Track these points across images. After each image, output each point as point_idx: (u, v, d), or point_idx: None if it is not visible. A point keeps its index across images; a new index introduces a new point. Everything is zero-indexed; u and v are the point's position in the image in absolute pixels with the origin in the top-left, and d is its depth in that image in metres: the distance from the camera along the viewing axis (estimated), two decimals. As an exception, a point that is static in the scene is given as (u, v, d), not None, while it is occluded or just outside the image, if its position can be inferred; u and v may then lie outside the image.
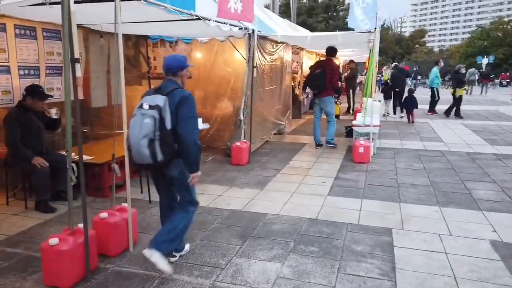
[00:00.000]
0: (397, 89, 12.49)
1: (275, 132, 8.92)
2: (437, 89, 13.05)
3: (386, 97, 13.14)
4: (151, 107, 2.82)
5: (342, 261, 3.22)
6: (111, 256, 3.23)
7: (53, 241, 2.73)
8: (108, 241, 3.20)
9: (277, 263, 3.18)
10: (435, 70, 13.08)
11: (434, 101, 13.36)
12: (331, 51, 7.75)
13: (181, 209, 3.07)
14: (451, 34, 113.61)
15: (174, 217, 3.03)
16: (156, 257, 2.80)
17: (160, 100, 2.83)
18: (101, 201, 4.62)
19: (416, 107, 11.69)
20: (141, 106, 2.87)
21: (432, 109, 13.51)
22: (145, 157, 2.76)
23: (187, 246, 3.36)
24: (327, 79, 7.32)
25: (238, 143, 6.42)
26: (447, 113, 12.90)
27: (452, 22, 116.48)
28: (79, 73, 2.71)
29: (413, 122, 11.57)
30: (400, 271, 3.07)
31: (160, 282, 2.88)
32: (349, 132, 8.57)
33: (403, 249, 3.44)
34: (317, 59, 13.61)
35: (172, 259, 3.16)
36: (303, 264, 3.16)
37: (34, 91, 4.31)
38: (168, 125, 2.80)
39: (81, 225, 2.87)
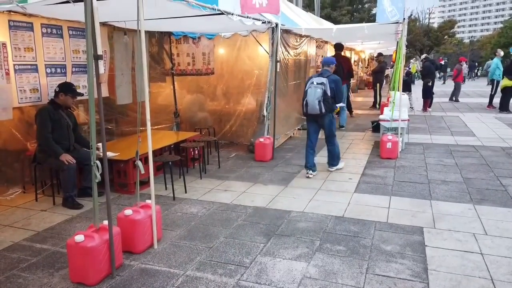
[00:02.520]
0: (429, 83, 12.08)
1: (299, 127, 8.79)
2: (497, 82, 12.14)
3: (405, 90, 12.73)
4: (318, 84, 5.11)
5: (371, 261, 3.10)
6: (136, 253, 3.23)
7: (79, 237, 2.75)
8: (132, 238, 3.20)
9: (302, 262, 3.10)
10: (496, 61, 12.38)
11: (493, 94, 12.49)
12: (341, 47, 9.02)
13: (330, 144, 5.58)
14: (482, 24, 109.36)
15: (331, 150, 5.63)
16: (333, 168, 5.67)
17: (323, 80, 5.12)
18: (127, 197, 4.65)
19: (431, 96, 12.22)
20: (312, 83, 5.18)
21: (491, 103, 12.57)
22: (315, 110, 5.13)
23: (341, 164, 5.79)
24: (344, 72, 8.56)
25: (261, 139, 6.34)
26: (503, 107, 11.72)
27: (483, 12, 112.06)
28: (102, 69, 2.70)
29: (425, 111, 12.04)
30: (433, 272, 2.92)
31: (184, 280, 2.85)
32: (375, 127, 8.35)
33: (436, 249, 3.28)
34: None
35: (332, 168, 5.67)
36: (329, 264, 3.06)
37: (67, 88, 4.46)
38: (328, 93, 5.08)
39: (106, 222, 2.87)
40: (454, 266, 3.00)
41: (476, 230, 3.64)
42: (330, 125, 5.37)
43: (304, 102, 5.21)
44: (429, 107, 12.43)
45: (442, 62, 27.91)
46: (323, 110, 5.08)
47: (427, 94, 12.17)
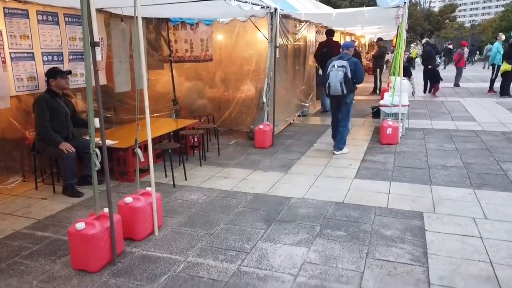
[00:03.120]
0: (429, 66, 11.98)
1: (298, 114, 8.76)
2: (498, 66, 11.99)
3: (405, 75, 12.65)
4: (339, 66, 5.47)
5: (371, 246, 3.11)
6: (137, 240, 3.24)
7: (80, 225, 2.75)
8: (133, 225, 3.21)
9: (303, 247, 3.11)
10: (497, 45, 12.20)
11: (493, 79, 12.37)
12: (332, 32, 9.05)
13: (342, 126, 5.84)
14: (483, 8, 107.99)
15: (342, 132, 5.86)
16: (339, 152, 5.84)
17: (344, 63, 5.47)
18: (127, 185, 4.66)
19: (439, 80, 12.14)
20: (333, 66, 5.54)
21: (491, 88, 12.45)
22: (338, 91, 5.49)
23: (345, 150, 5.93)
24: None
25: (261, 126, 6.32)
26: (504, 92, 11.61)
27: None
28: (99, 56, 2.67)
29: (434, 94, 12.02)
30: (433, 256, 2.94)
31: (186, 266, 2.87)
32: (376, 113, 8.32)
33: (435, 234, 3.29)
34: (342, 38, 13.27)
35: (337, 152, 5.85)
36: (330, 249, 3.08)
37: (53, 73, 4.39)
38: (349, 75, 5.43)
39: (106, 210, 2.88)
40: (453, 250, 3.02)
41: (476, 215, 3.65)
42: (349, 105, 5.78)
43: (327, 84, 5.61)
44: (430, 92, 12.38)
45: (451, 47, 27.81)
46: (345, 91, 5.48)
47: (436, 79, 12.07)
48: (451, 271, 2.74)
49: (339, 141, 5.90)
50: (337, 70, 5.46)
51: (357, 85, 5.65)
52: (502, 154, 5.63)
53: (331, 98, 5.85)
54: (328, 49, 8.62)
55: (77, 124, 4.65)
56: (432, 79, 12.25)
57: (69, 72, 4.59)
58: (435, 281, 2.62)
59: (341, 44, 6.30)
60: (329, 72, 5.58)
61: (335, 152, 5.87)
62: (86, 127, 4.53)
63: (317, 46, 9.41)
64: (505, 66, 11.32)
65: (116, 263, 2.91)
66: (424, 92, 12.49)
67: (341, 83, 5.42)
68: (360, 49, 13.13)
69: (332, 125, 6.12)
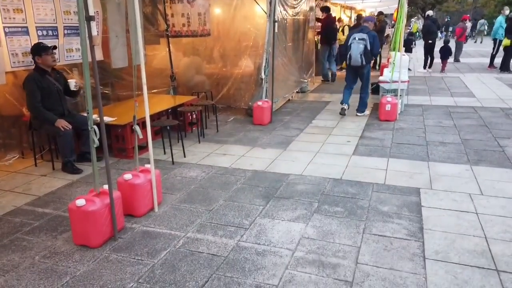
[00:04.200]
0: (429, 41, 11.77)
1: (297, 90, 8.70)
2: (500, 41, 11.70)
3: (406, 50, 12.49)
4: (360, 39, 6.09)
5: (368, 222, 3.16)
6: (137, 216, 3.28)
7: (80, 202, 2.77)
8: (133, 202, 3.24)
9: (301, 223, 3.16)
10: (500, 19, 11.89)
11: (494, 54, 12.17)
12: (328, 8, 10.00)
13: (363, 92, 6.61)
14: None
15: (363, 98, 6.65)
16: (361, 114, 6.64)
17: (364, 36, 6.10)
18: (126, 162, 4.67)
19: (450, 55, 12.01)
20: (354, 38, 6.17)
21: (492, 64, 12.28)
22: (358, 62, 6.16)
23: (367, 112, 6.73)
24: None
25: (259, 103, 6.28)
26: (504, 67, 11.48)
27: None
28: (95, 31, 2.61)
29: (443, 71, 11.86)
30: (428, 231, 2.99)
31: (186, 241, 2.92)
32: (375, 89, 8.26)
33: (432, 209, 3.34)
34: (342, 12, 13.05)
35: (360, 114, 6.65)
36: (327, 225, 3.12)
37: (37, 50, 4.24)
38: (368, 47, 6.07)
39: (106, 187, 2.89)
40: (449, 226, 3.07)
41: (472, 191, 3.69)
42: (368, 74, 6.49)
43: (348, 56, 6.27)
44: (430, 67, 12.27)
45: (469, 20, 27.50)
46: (364, 62, 6.16)
47: (444, 54, 11.85)
48: (446, 246, 2.79)
49: (361, 105, 6.70)
50: (358, 43, 6.09)
51: (375, 57, 6.77)
52: (500, 130, 5.64)
53: (350, 68, 6.49)
54: (331, 25, 9.63)
55: (67, 94, 4.53)
56: (441, 53, 11.95)
57: (54, 47, 4.43)
58: (431, 256, 2.68)
59: (364, 17, 7.27)
60: (350, 44, 6.20)
61: (358, 114, 6.69)
62: (74, 95, 4.50)
63: (315, 21, 9.32)
64: (505, 41, 11.18)
65: (116, 238, 2.95)
66: (424, 68, 12.37)
67: (361, 55, 6.08)
68: (386, 20, 12.86)
69: (345, 90, 6.71)
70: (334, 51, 10.28)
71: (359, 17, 9.45)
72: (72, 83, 4.42)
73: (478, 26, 24.59)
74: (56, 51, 4.50)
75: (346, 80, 6.69)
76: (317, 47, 10.64)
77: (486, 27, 25.91)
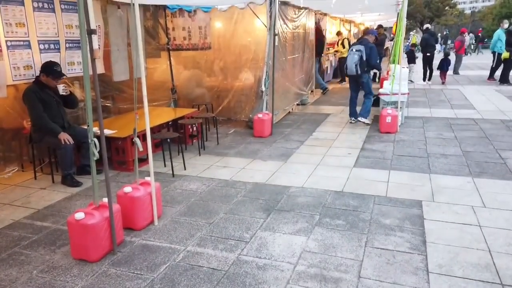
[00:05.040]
0: (427, 54, 11.87)
1: (297, 102, 8.72)
2: (499, 54, 11.76)
3: (410, 61, 12.58)
4: (356, 50, 6.43)
5: (370, 235, 3.12)
6: (137, 229, 3.25)
7: (79, 215, 2.75)
8: (133, 215, 3.21)
9: (302, 236, 3.12)
10: (499, 32, 11.89)
11: (494, 67, 12.19)
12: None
13: (366, 98, 6.84)
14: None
15: (365, 103, 6.87)
16: (362, 119, 6.85)
17: (361, 47, 6.44)
18: (126, 175, 4.65)
19: (449, 67, 12.27)
20: (352, 50, 6.54)
21: (491, 76, 12.32)
22: (353, 71, 6.48)
23: (368, 120, 6.87)
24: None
25: (260, 115, 6.29)
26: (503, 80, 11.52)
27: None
28: (96, 45, 2.63)
29: (443, 83, 12.05)
30: (431, 244, 2.95)
31: (186, 255, 2.88)
32: (375, 101, 8.27)
33: (434, 222, 3.30)
34: (341, 25, 13.16)
35: (363, 120, 6.88)
36: (329, 238, 3.09)
37: (48, 69, 4.24)
38: (364, 58, 6.39)
39: (106, 200, 2.87)
40: (452, 239, 3.03)
41: (475, 203, 3.66)
42: (367, 83, 6.78)
43: (345, 66, 6.75)
44: (430, 80, 12.34)
45: (480, 35, 28.14)
46: (359, 72, 6.48)
47: (445, 66, 12.08)
48: (450, 259, 2.75)
49: (363, 110, 6.92)
50: (353, 54, 6.48)
51: (375, 69, 7.09)
52: (501, 142, 5.63)
53: (349, 78, 6.90)
54: (317, 37, 9.80)
55: (65, 105, 4.52)
56: (443, 65, 12.10)
57: (63, 76, 4.44)
58: (434, 269, 2.64)
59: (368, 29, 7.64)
60: (347, 56, 6.69)
61: (360, 120, 6.95)
62: (70, 103, 4.48)
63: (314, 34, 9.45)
64: (504, 54, 11.26)
65: (116, 252, 2.92)
66: (424, 80, 12.43)
67: (356, 65, 6.43)
68: (389, 35, 12.94)
69: (350, 102, 7.10)
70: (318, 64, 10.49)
71: (365, 31, 9.62)
72: (61, 88, 4.40)
73: (467, 41, 25.21)
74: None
75: (350, 90, 7.12)
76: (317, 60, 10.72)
77: (474, 41, 27.24)
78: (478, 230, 3.17)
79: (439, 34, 28.40)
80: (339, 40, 12.11)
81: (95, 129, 3.16)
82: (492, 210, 3.51)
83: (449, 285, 2.47)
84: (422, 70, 12.61)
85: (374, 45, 6.70)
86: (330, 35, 12.41)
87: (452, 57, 12.93)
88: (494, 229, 3.16)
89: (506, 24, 12.10)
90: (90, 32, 2.55)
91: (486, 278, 2.53)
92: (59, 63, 4.51)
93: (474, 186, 4.07)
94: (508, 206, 3.57)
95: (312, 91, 10.03)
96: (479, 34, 29.35)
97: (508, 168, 4.57)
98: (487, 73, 12.76)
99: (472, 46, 28.53)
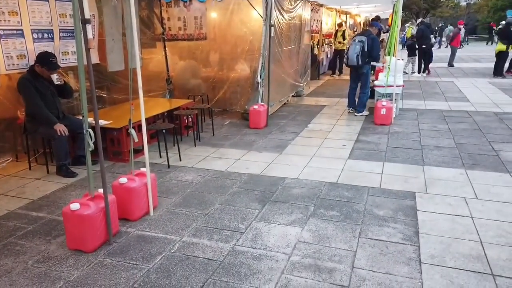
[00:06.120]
0: (423, 46, 11.88)
1: (293, 94, 8.72)
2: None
3: (411, 54, 12.57)
4: (358, 41, 6.45)
5: (364, 226, 3.16)
6: (132, 220, 3.26)
7: (74, 206, 2.75)
8: (128, 206, 3.22)
9: (297, 227, 3.15)
10: None
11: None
12: None
13: (362, 91, 6.86)
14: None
15: (361, 97, 6.91)
16: (359, 114, 6.91)
17: (363, 38, 6.48)
18: (121, 165, 4.64)
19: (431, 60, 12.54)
20: (354, 40, 6.60)
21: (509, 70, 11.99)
22: (353, 62, 6.51)
23: (365, 112, 7.00)
24: None
25: (255, 106, 6.29)
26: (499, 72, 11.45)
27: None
28: (90, 34, 2.60)
29: (429, 73, 12.43)
30: (424, 235, 3.00)
31: (181, 245, 2.90)
32: (370, 93, 8.29)
33: (427, 213, 3.35)
34: (337, 16, 13.10)
35: (358, 114, 6.96)
36: (323, 229, 3.12)
37: (44, 60, 4.18)
38: (365, 49, 6.41)
39: (101, 190, 2.87)
40: (444, 230, 3.08)
41: (467, 195, 3.71)
42: (366, 75, 6.81)
43: (346, 56, 6.77)
44: (425, 72, 12.37)
45: (495, 27, 27.26)
46: (360, 62, 6.50)
47: (429, 59, 12.28)
48: (442, 250, 2.80)
49: (359, 105, 6.99)
50: (355, 44, 6.50)
51: (375, 61, 6.88)
52: (494, 134, 5.68)
53: (350, 68, 6.93)
54: None
55: (60, 95, 4.47)
56: (426, 59, 12.24)
57: (59, 68, 4.37)
58: (426, 260, 2.68)
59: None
60: (349, 46, 6.75)
61: (356, 114, 7.01)
62: (64, 92, 4.44)
63: (314, 25, 9.36)
64: (499, 46, 11.26)
65: (111, 243, 2.93)
66: (418, 72, 12.46)
67: (357, 55, 6.45)
68: (384, 26, 12.72)
69: (349, 92, 7.23)
70: None
71: (369, 22, 9.57)
72: (55, 77, 4.36)
73: (447, 32, 24.88)
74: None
75: (350, 79, 7.21)
76: (313, 51, 10.69)
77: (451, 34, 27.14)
78: (470, 221, 3.21)
79: (436, 27, 28.35)
80: (337, 30, 11.92)
81: (90, 120, 3.15)
82: (484, 201, 3.56)
83: (441, 275, 2.51)
84: (418, 63, 12.64)
85: (377, 36, 6.80)
86: (326, 26, 12.35)
87: (446, 50, 12.92)
88: (486, 221, 3.21)
89: None
90: (84, 21, 2.53)
91: (477, 269, 2.58)
92: (54, 53, 4.47)
93: (467, 178, 4.12)
94: (500, 198, 3.62)
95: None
96: (494, 27, 28.47)
97: (500, 160, 4.63)
98: (481, 65, 12.81)
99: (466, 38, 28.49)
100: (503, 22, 12.01)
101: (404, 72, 12.04)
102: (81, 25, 2.51)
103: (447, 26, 27.42)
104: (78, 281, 2.50)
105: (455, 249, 2.81)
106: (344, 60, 6.92)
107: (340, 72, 12.77)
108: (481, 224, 3.16)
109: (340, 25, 12.22)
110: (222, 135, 5.95)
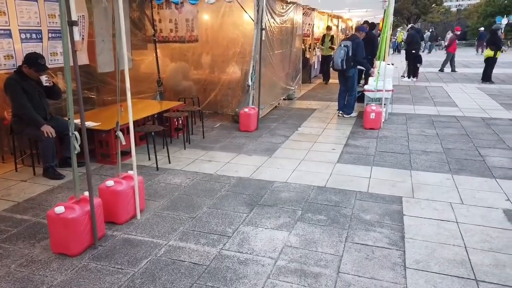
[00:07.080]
0: (413, 51, 12.02)
1: (284, 97, 8.74)
2: None
3: (407, 58, 12.71)
4: (344, 46, 6.61)
5: (350, 230, 3.18)
6: (119, 223, 3.23)
7: (59, 209, 2.72)
8: (115, 209, 3.19)
9: (284, 231, 3.15)
10: None
11: None
12: None
13: (349, 93, 7.10)
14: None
15: (348, 100, 7.12)
16: (347, 116, 7.11)
17: (348, 43, 6.64)
18: (109, 167, 4.60)
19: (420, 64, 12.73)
20: (340, 45, 6.76)
21: None
22: (338, 66, 6.67)
23: (353, 114, 7.24)
24: None
25: (246, 109, 6.29)
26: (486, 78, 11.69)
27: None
28: (77, 36, 2.58)
29: (416, 77, 12.59)
30: (409, 240, 3.02)
31: (167, 249, 2.88)
32: (360, 97, 8.35)
33: (413, 218, 3.38)
34: (329, 20, 13.15)
35: (346, 116, 7.19)
36: (310, 233, 3.13)
37: (32, 62, 4.12)
38: (350, 53, 6.56)
39: (87, 193, 2.85)
40: (430, 235, 3.10)
41: (453, 200, 3.75)
42: (352, 79, 6.98)
43: (332, 60, 7.16)
44: (415, 76, 12.51)
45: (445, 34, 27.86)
46: (344, 67, 6.68)
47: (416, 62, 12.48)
48: (427, 255, 2.82)
49: (347, 107, 7.20)
50: (340, 49, 6.70)
51: (361, 65, 7.00)
52: (481, 140, 5.76)
53: (338, 72, 7.10)
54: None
55: (48, 96, 4.41)
56: (415, 63, 12.38)
57: (47, 69, 4.32)
58: (411, 265, 2.70)
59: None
60: (335, 51, 7.05)
61: (345, 116, 7.22)
62: (53, 93, 4.39)
63: (305, 29, 9.39)
64: (488, 52, 11.46)
65: (96, 246, 2.90)
66: (408, 77, 12.58)
67: (341, 60, 6.63)
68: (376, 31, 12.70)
69: (339, 96, 7.38)
70: None
71: (356, 27, 9.67)
72: (44, 79, 4.31)
73: (426, 37, 25.50)
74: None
75: (339, 83, 7.39)
76: (304, 55, 10.72)
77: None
78: (455, 226, 3.25)
79: (427, 32, 28.62)
80: (325, 35, 11.45)
81: (77, 122, 3.13)
82: (470, 207, 3.60)
83: (425, 280, 2.54)
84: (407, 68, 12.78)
85: (363, 41, 6.86)
86: (318, 30, 12.41)
87: (436, 55, 13.12)
88: (471, 226, 3.25)
89: None
90: (71, 23, 2.51)
91: (461, 274, 2.61)
92: (42, 54, 4.42)
93: (453, 182, 4.16)
94: (485, 203, 3.67)
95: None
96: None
97: (486, 165, 4.69)
98: (470, 70, 13.00)
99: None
100: (482, 29, 12.32)
101: (402, 76, 12.26)
102: (67, 27, 2.49)
103: (446, 34, 27.80)
104: (61, 285, 2.47)
105: (439, 254, 2.84)
106: (331, 64, 7.14)
107: (327, 79, 12.20)
108: (466, 229, 3.20)
109: (329, 28, 11.84)
110: (212, 137, 5.94)
